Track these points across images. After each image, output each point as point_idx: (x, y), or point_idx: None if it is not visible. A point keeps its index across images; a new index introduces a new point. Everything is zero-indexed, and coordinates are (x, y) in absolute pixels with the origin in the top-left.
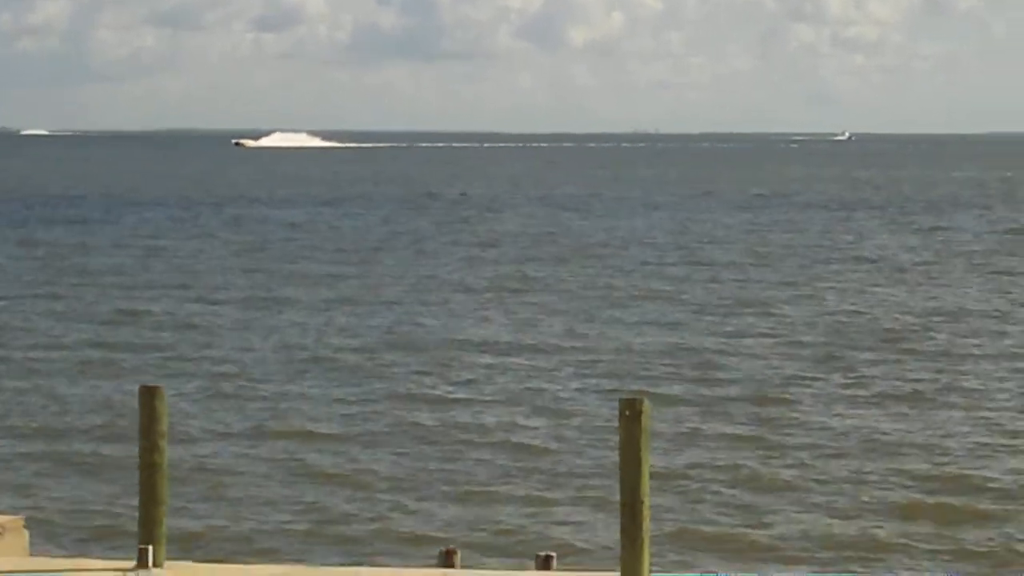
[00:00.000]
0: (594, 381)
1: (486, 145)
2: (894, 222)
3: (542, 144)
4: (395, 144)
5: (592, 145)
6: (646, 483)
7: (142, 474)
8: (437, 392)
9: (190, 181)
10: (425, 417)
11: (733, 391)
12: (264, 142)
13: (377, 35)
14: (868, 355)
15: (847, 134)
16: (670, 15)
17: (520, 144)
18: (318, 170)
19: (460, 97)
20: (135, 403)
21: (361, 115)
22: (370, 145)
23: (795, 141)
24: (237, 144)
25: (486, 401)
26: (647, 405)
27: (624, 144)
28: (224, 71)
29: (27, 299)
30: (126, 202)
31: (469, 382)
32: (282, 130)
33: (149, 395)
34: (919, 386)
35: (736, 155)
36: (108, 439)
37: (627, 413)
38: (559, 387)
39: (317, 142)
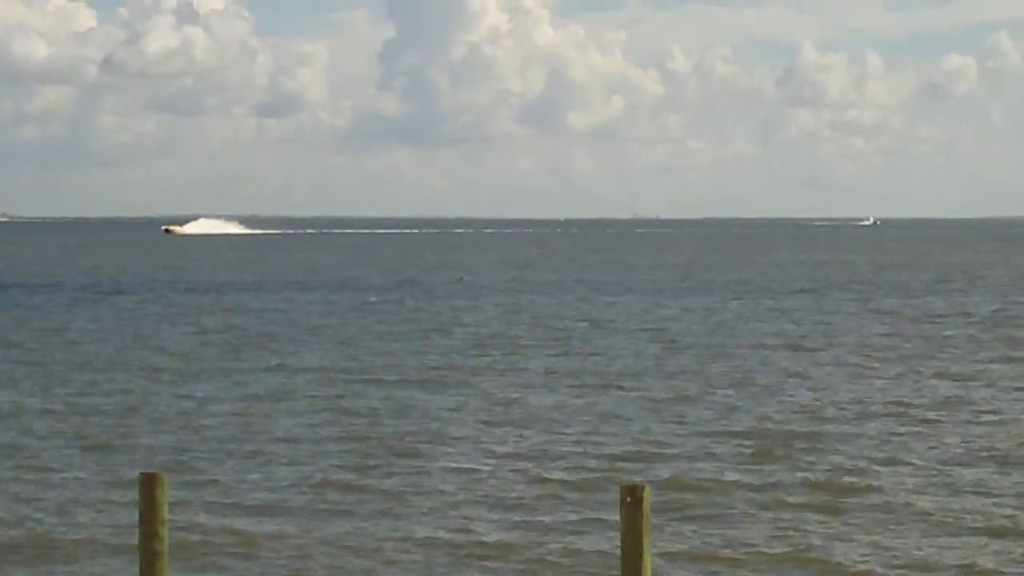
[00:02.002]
0: (591, 465)
1: (486, 231)
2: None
3: (544, 230)
4: (399, 230)
5: (589, 230)
6: (648, 571)
7: (142, 562)
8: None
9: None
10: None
11: (726, 469)
12: (189, 228)
13: (378, 121)
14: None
15: (872, 219)
16: (670, 99)
17: (520, 229)
18: (287, 257)
19: (461, 182)
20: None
21: (362, 200)
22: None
23: (819, 226)
24: (167, 231)
25: (481, 479)
26: (648, 491)
27: (637, 229)
28: (224, 156)
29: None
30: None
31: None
32: (207, 216)
33: (149, 483)
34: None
35: (759, 239)
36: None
37: (628, 500)
38: (553, 471)
39: (238, 228)
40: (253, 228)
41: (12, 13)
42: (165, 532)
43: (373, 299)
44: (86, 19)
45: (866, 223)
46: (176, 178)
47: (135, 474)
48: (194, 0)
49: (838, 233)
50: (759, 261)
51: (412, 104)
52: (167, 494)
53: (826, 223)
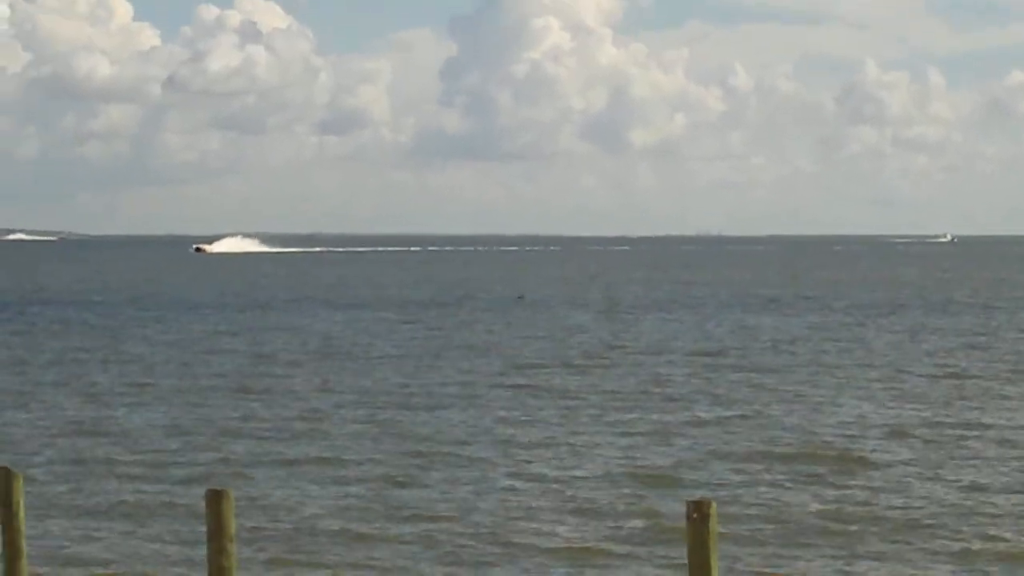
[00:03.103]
0: (651, 482)
1: (552, 248)
2: None
3: (612, 248)
4: (458, 248)
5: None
6: None
7: None
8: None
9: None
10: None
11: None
12: (217, 247)
13: (439, 138)
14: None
15: (949, 236)
16: (731, 116)
17: (584, 246)
18: (350, 273)
19: (523, 198)
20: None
21: (423, 217)
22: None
23: (897, 243)
24: (198, 250)
25: (540, 497)
26: (714, 507)
27: (727, 247)
28: (286, 174)
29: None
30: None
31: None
32: (232, 235)
33: (216, 498)
34: None
35: (856, 257)
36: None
37: (695, 515)
38: (616, 488)
39: (258, 246)
40: (272, 246)
41: (77, 32)
42: (233, 548)
43: (429, 314)
44: (150, 38)
45: (944, 240)
46: (238, 196)
47: (200, 490)
48: (257, 19)
49: (929, 250)
50: (885, 278)
51: (474, 121)
52: (233, 509)
53: (904, 240)
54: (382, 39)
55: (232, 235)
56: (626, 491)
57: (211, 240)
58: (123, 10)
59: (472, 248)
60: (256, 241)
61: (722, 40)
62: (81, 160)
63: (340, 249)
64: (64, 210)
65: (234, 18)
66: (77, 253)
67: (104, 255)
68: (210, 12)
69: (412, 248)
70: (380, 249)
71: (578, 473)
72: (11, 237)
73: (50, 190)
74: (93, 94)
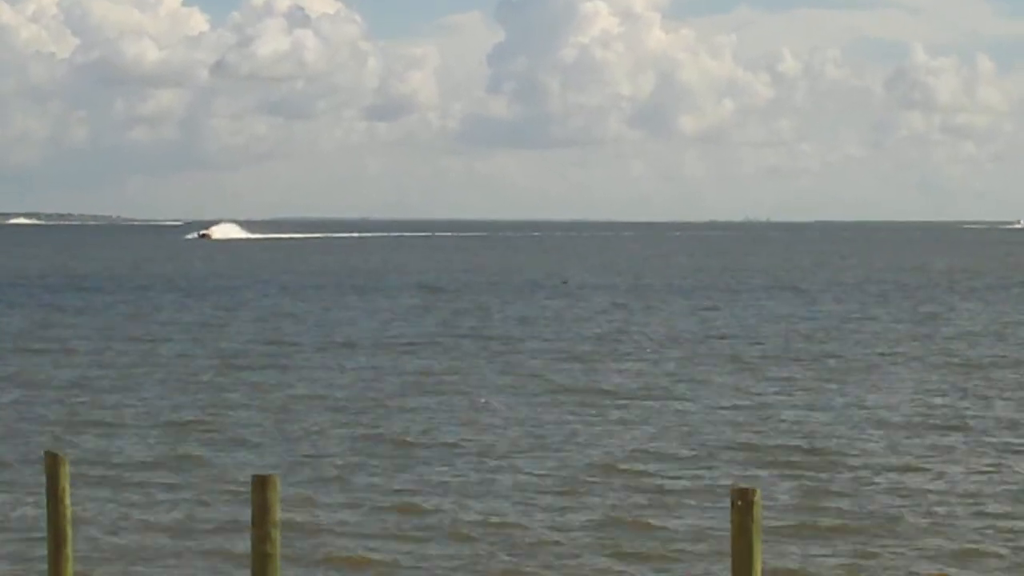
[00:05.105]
0: (702, 471)
1: (605, 234)
2: None
3: (668, 232)
4: (508, 233)
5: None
6: (759, 574)
7: (254, 565)
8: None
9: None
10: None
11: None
12: (217, 233)
13: (487, 123)
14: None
15: (1022, 222)
16: (780, 102)
17: (632, 232)
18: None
19: (571, 184)
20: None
21: (471, 202)
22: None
23: (967, 229)
24: (203, 236)
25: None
26: (759, 495)
27: (809, 234)
28: (335, 159)
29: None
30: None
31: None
32: (225, 221)
33: (261, 485)
34: None
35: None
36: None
37: (739, 503)
38: (662, 478)
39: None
40: (253, 232)
41: (125, 17)
42: (277, 534)
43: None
44: (198, 23)
45: (1018, 226)
46: (286, 181)
47: (241, 476)
48: (305, 4)
49: (1008, 236)
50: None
51: (522, 107)
52: (279, 495)
53: (976, 226)
54: (430, 24)
55: (227, 221)
56: (674, 477)
57: (206, 226)
58: None
59: (520, 234)
60: (236, 227)
61: (770, 25)
62: (130, 145)
63: (339, 234)
64: (115, 194)
65: (282, 3)
66: (129, 237)
67: (149, 239)
68: None
69: (462, 233)
70: (428, 234)
71: (623, 456)
72: (65, 222)
73: (100, 175)
74: (142, 79)
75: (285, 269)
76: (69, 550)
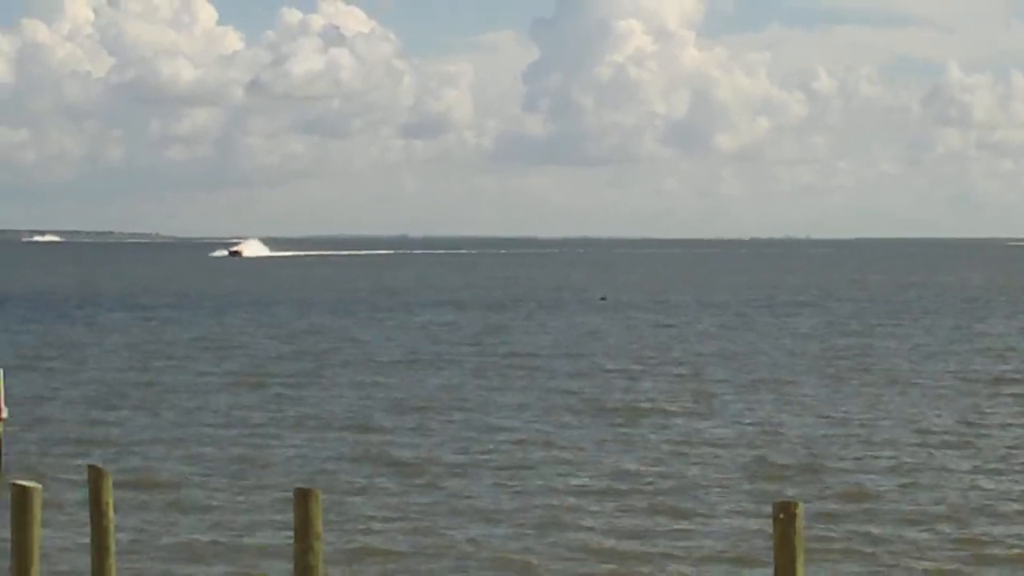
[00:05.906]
0: (745, 487)
1: (647, 251)
2: None
3: (703, 250)
4: (540, 250)
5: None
6: None
7: None
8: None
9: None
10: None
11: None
12: (247, 251)
13: (523, 141)
14: None
15: None
16: (815, 120)
17: (669, 249)
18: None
19: (606, 202)
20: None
21: (507, 220)
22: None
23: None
24: (233, 254)
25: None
26: (801, 508)
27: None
28: (370, 177)
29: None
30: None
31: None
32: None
33: (304, 498)
34: None
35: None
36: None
37: (782, 516)
38: (702, 494)
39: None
40: (275, 251)
41: (160, 36)
42: (320, 546)
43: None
44: (233, 42)
45: None
46: (322, 199)
47: (279, 489)
48: (340, 22)
49: None
50: None
51: (557, 125)
52: (320, 508)
53: (1018, 243)
54: (464, 41)
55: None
56: (716, 489)
57: (230, 244)
58: (206, 14)
59: (557, 250)
60: (260, 244)
61: (805, 43)
62: (166, 164)
63: (358, 251)
64: (153, 212)
65: (317, 22)
66: (168, 254)
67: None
68: (293, 16)
69: (500, 251)
70: (463, 252)
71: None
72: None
73: (136, 193)
74: (177, 98)
75: (326, 287)
76: (112, 562)
